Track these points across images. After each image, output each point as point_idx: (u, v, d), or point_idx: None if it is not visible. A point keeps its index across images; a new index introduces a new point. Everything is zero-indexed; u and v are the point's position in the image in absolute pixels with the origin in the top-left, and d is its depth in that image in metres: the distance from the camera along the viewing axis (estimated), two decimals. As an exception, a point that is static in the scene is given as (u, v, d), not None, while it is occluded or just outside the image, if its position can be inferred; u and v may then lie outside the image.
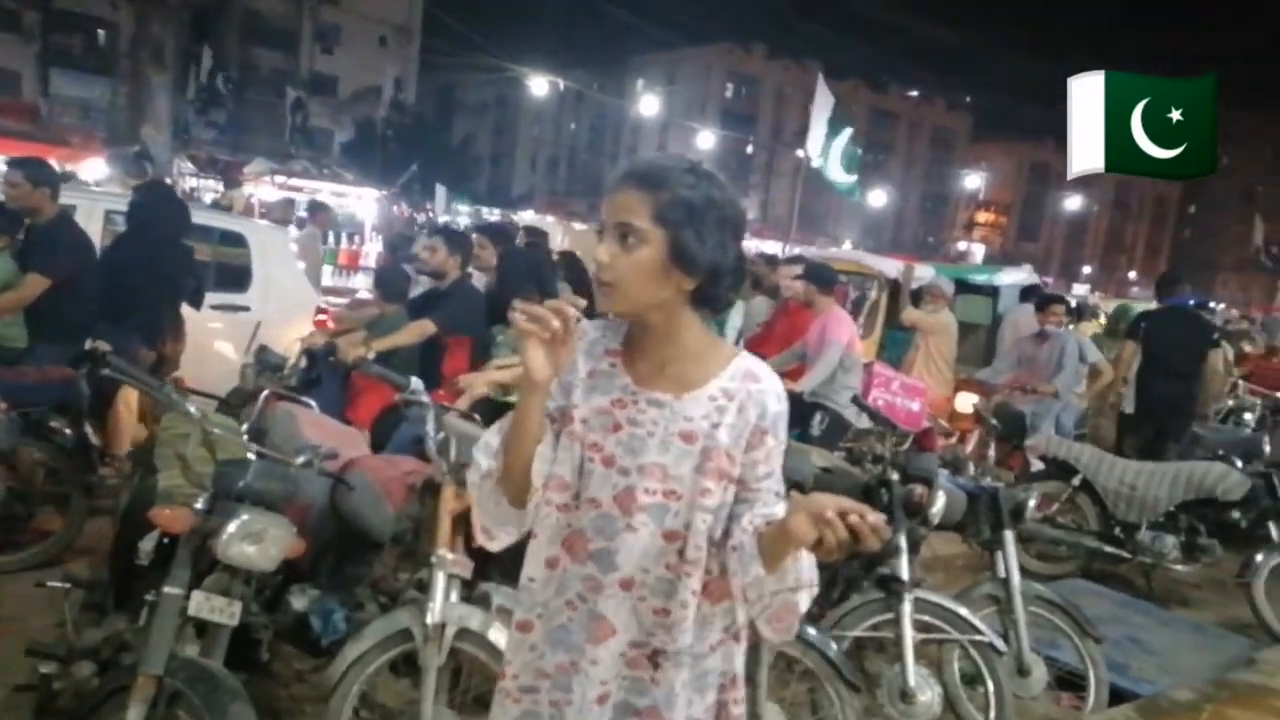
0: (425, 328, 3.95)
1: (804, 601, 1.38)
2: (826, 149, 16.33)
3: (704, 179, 1.40)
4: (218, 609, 2.14)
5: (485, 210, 31.03)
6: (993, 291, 7.63)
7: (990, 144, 55.93)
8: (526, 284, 4.58)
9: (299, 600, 2.70)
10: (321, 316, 5.69)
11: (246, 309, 5.39)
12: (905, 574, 2.93)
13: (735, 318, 7.63)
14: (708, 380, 1.43)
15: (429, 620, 2.47)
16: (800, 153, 19.86)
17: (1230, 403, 8.31)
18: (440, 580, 2.53)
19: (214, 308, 5.15)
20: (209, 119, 32.22)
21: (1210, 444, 5.90)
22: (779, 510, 1.39)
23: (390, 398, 4.02)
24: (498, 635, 2.54)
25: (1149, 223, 63.35)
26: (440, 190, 18.31)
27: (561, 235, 10.98)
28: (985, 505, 3.39)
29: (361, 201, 14.27)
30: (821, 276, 5.40)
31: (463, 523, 2.72)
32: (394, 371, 3.38)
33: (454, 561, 2.57)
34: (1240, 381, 8.71)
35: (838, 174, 14.05)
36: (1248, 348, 10.41)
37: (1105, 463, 5.17)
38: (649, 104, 37.59)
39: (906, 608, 2.89)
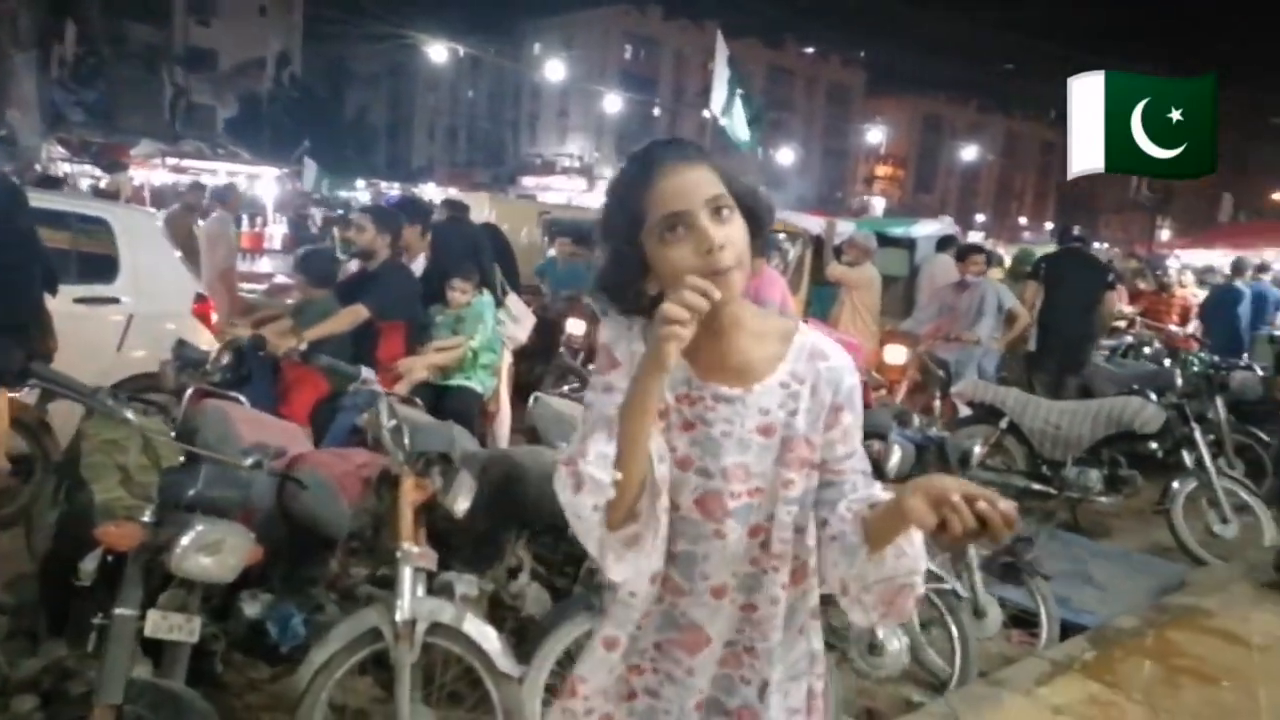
0: (358, 313, 3.77)
1: (919, 584, 1.26)
2: (729, 107, 16.41)
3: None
4: (176, 627, 2.01)
5: (385, 185, 30.11)
6: (910, 244, 7.79)
7: (885, 98, 57.07)
8: (465, 262, 4.44)
9: (251, 607, 2.56)
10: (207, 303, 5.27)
11: (115, 301, 4.82)
12: None
13: None
14: (775, 366, 1.33)
15: (399, 617, 2.38)
16: (705, 113, 19.82)
17: (1129, 339, 8.75)
18: (407, 575, 2.44)
19: (78, 301, 4.58)
20: (78, 99, 30.19)
21: (1124, 378, 6.20)
22: (878, 492, 1.30)
23: (324, 389, 3.86)
24: (472, 627, 2.48)
25: (1036, 170, 65.97)
26: (310, 166, 17.14)
27: (489, 208, 10.68)
28: (933, 455, 3.46)
29: (261, 181, 13.58)
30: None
31: (424, 513, 2.63)
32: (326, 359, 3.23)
33: (419, 555, 2.48)
34: (1138, 318, 9.16)
35: (741, 129, 14.19)
36: (1142, 285, 10.94)
37: (1030, 404, 5.36)
38: (549, 69, 36.95)
39: None
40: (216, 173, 11.98)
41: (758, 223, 1.31)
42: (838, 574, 1.29)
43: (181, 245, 7.20)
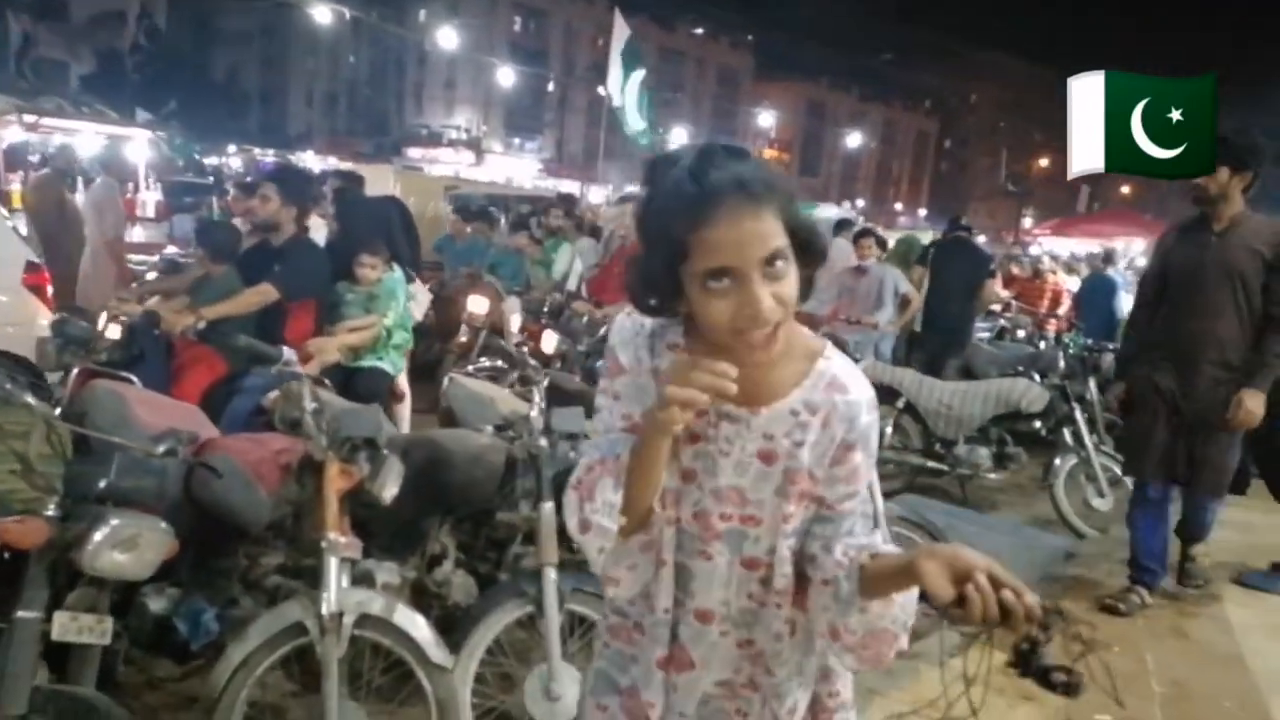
0: (266, 294, 3.55)
1: (903, 629, 1.21)
2: (624, 89, 16.35)
3: (764, 161, 1.20)
4: (87, 629, 1.85)
5: (259, 152, 28.62)
6: (809, 228, 7.96)
7: (772, 83, 58.11)
8: (373, 237, 4.26)
9: (156, 602, 2.41)
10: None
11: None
12: None
13: (562, 261, 7.53)
14: (789, 390, 1.23)
15: (325, 610, 2.27)
16: (601, 89, 19.72)
17: (1004, 322, 9.24)
18: (333, 566, 2.33)
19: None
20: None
21: (1007, 360, 6.54)
22: (879, 543, 1.23)
23: (220, 370, 3.64)
24: (402, 617, 2.39)
25: (912, 158, 68.68)
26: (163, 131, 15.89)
27: (393, 181, 10.25)
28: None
29: (133, 144, 12.63)
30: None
31: (349, 501, 2.52)
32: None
33: (346, 544, 2.37)
34: (1013, 302, 9.67)
35: (634, 119, 14.20)
36: (1015, 270, 11.55)
37: (925, 385, 5.58)
38: (436, 37, 35.81)
39: None
40: (78, 133, 11.03)
41: (810, 258, 1.19)
42: (827, 619, 1.23)
43: (52, 214, 6.64)
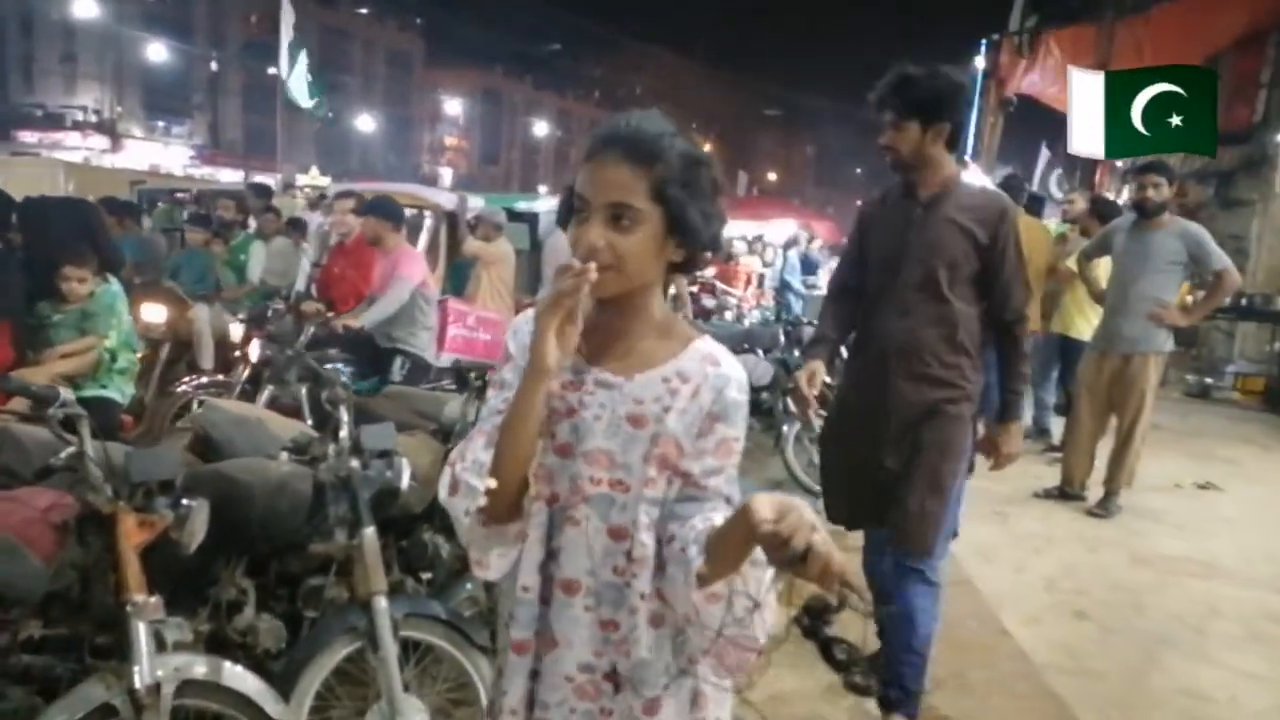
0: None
1: (760, 630, 1.17)
2: (292, 68, 15.53)
3: (682, 138, 1.26)
4: None
5: None
6: (532, 218, 8.04)
7: (446, 70, 57.10)
8: (77, 243, 3.64)
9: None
10: None
11: None
12: None
13: (256, 260, 6.93)
14: (665, 360, 1.29)
15: (139, 683, 1.99)
16: (271, 70, 18.41)
17: (712, 302, 10.02)
18: (141, 632, 2.04)
19: None
20: None
21: (733, 337, 7.10)
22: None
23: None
24: (232, 676, 2.15)
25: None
26: None
27: (64, 176, 8.67)
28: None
29: None
30: (391, 212, 5.11)
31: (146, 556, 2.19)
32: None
33: (153, 606, 2.08)
34: (716, 283, 10.50)
35: (301, 94, 13.73)
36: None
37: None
38: (50, 4, 30.84)
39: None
40: None
41: (688, 236, 1.26)
42: (679, 610, 1.23)
43: None
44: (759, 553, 1.11)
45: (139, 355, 5.44)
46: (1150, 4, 9.98)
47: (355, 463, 2.60)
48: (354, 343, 4.77)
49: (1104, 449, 5.35)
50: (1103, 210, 6.73)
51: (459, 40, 55.86)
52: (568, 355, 1.22)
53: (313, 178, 33.47)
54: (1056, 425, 6.80)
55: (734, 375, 1.30)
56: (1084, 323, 6.29)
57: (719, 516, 1.21)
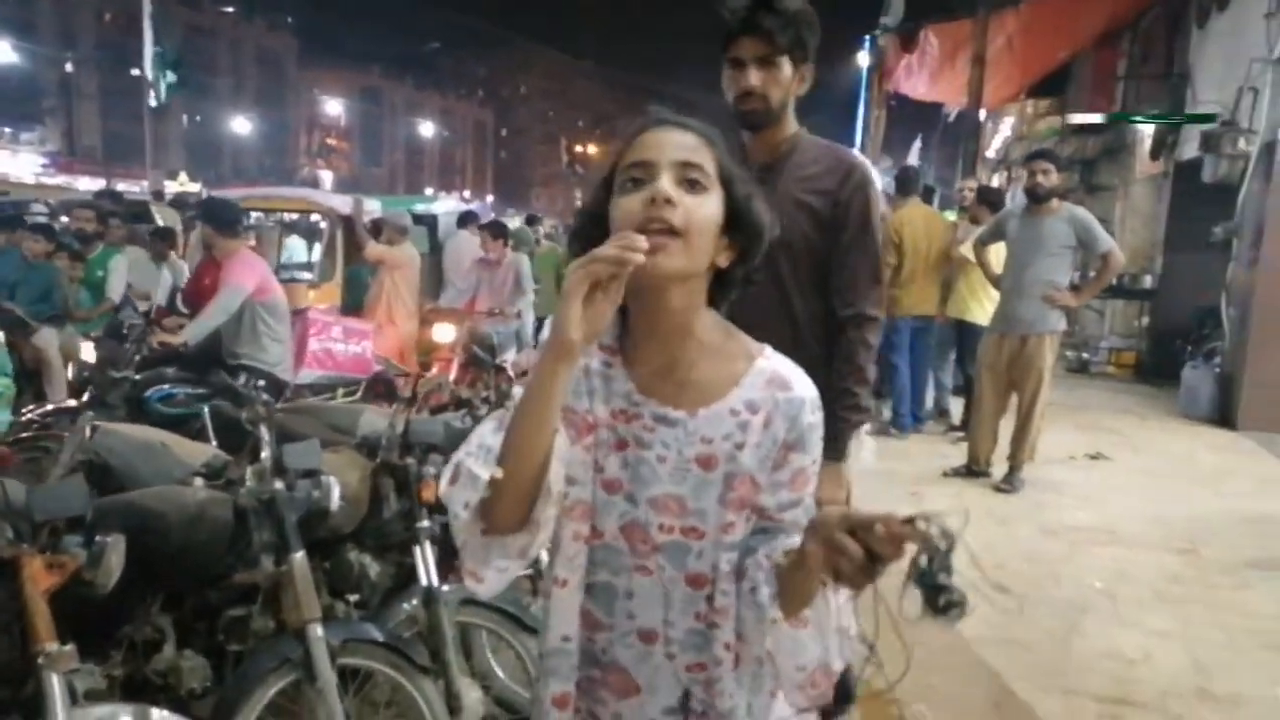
0: None
1: (839, 657, 1.11)
2: (159, 69, 15.05)
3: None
4: None
5: None
6: (432, 221, 7.82)
7: (322, 70, 55.20)
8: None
9: None
10: None
11: None
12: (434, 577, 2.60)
13: (118, 276, 6.47)
14: (728, 390, 1.16)
15: (57, 745, 1.80)
16: (135, 71, 17.49)
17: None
18: (55, 685, 1.85)
19: None
20: None
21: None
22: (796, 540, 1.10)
23: None
24: (162, 725, 1.98)
25: (473, 147, 70.03)
26: None
27: None
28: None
29: None
30: (220, 216, 4.67)
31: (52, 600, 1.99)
32: None
33: (66, 655, 1.89)
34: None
35: (160, 85, 13.35)
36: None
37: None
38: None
39: (442, 609, 2.60)
40: None
41: (744, 233, 1.15)
42: (755, 648, 1.14)
43: None
44: (832, 588, 1.05)
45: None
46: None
47: (279, 484, 2.44)
48: (193, 361, 4.42)
49: (1005, 427, 5.57)
50: (989, 198, 7.04)
51: (333, 40, 54.16)
52: (597, 333, 1.05)
53: (182, 183, 31.84)
54: (955, 406, 7.08)
55: (807, 396, 1.18)
56: (978, 307, 6.54)
57: (790, 541, 1.11)
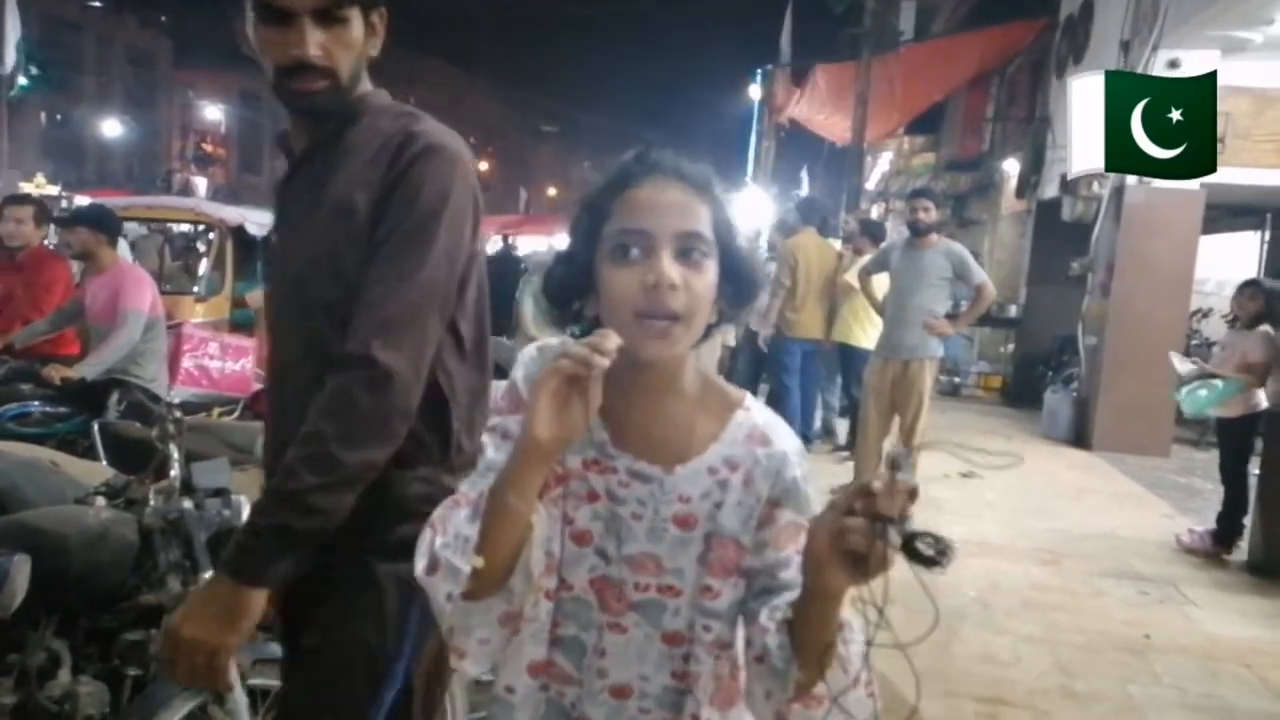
0: None
1: (863, 711, 1.06)
2: (21, 61, 14.34)
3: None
4: None
5: None
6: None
7: (199, 70, 52.79)
8: None
9: None
10: None
11: None
12: None
13: None
14: (706, 445, 1.11)
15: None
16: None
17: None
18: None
19: None
20: None
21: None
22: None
23: None
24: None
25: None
26: None
27: None
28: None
29: None
30: (106, 222, 4.36)
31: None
32: None
33: (-34, 684, 1.81)
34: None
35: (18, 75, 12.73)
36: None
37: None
38: None
39: None
40: None
41: (741, 286, 1.11)
42: (773, 706, 1.04)
43: None
44: (849, 630, 1.00)
45: None
46: (900, 45, 11.12)
47: (188, 503, 2.40)
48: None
49: (888, 447, 5.89)
50: (871, 231, 7.46)
51: (210, 41, 51.95)
52: (572, 434, 0.99)
53: (39, 185, 29.86)
54: (841, 427, 7.42)
55: (789, 450, 1.12)
56: (861, 332, 6.91)
57: (786, 598, 1.04)
